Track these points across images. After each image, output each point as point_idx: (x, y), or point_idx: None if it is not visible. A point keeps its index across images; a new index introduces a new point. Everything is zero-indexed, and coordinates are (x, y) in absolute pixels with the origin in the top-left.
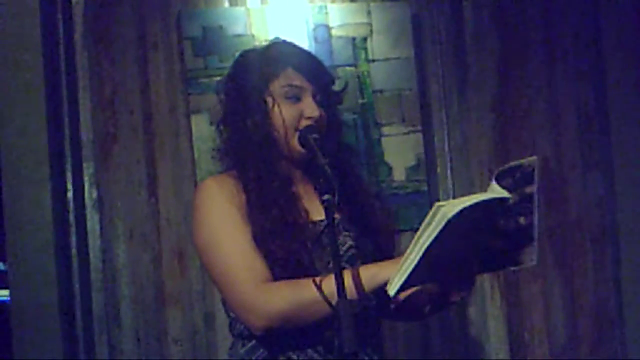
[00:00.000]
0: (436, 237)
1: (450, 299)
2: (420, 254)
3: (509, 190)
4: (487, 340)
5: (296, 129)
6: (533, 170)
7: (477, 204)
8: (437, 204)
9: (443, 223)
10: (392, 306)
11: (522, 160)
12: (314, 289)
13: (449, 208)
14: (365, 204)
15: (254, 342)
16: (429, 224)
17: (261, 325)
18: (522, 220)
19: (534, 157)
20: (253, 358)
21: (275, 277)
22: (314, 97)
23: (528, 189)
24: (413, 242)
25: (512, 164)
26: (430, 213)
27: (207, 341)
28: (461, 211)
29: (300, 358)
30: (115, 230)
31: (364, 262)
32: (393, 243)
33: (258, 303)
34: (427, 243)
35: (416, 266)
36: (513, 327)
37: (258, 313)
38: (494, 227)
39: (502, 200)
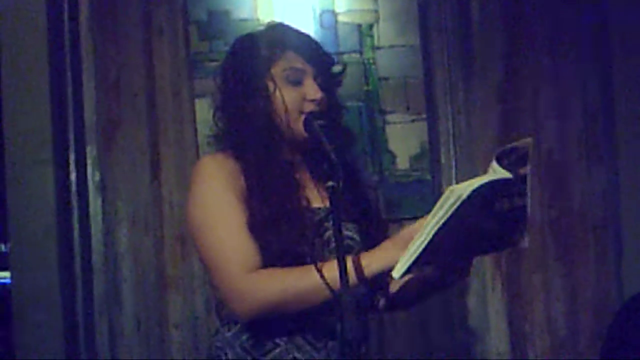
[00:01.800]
0: (449, 219)
1: (446, 282)
2: (431, 236)
3: (509, 171)
4: (488, 331)
5: (300, 112)
6: (527, 151)
7: (487, 184)
8: (450, 187)
9: (458, 204)
10: (382, 300)
11: (517, 142)
12: (304, 277)
13: (462, 189)
14: (360, 192)
15: (240, 325)
16: (441, 206)
17: (246, 313)
18: (515, 200)
19: (529, 139)
20: (239, 342)
21: (271, 264)
22: (315, 79)
23: (522, 170)
24: (423, 225)
25: (510, 145)
26: (443, 197)
27: (207, 327)
28: (473, 191)
29: (287, 344)
30: (118, 214)
31: (359, 252)
32: (386, 233)
33: (245, 290)
34: (439, 225)
35: (425, 249)
36: (514, 319)
37: (245, 300)
38: (493, 208)
39: (505, 181)
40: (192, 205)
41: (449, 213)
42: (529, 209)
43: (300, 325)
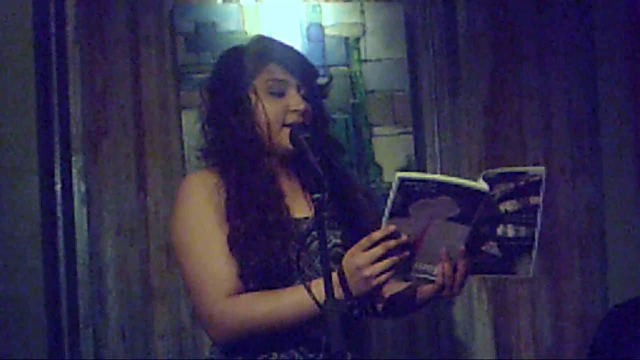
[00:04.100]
0: (394, 201)
1: (439, 294)
2: (386, 218)
3: (503, 197)
4: (474, 343)
5: (283, 125)
6: (540, 180)
7: (436, 181)
8: (398, 173)
9: (397, 182)
10: (380, 304)
11: (528, 168)
12: (287, 299)
13: (405, 174)
14: (352, 200)
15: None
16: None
17: (219, 339)
18: (522, 230)
19: (542, 168)
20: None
21: (255, 278)
22: (298, 90)
23: (532, 200)
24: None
25: (514, 169)
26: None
27: (193, 337)
28: (417, 180)
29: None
30: (103, 224)
31: None
32: None
33: (221, 315)
34: (389, 208)
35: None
36: (499, 331)
37: (220, 325)
38: (476, 221)
39: (479, 192)
40: (174, 225)
41: (393, 195)
42: (537, 241)
43: (293, 340)
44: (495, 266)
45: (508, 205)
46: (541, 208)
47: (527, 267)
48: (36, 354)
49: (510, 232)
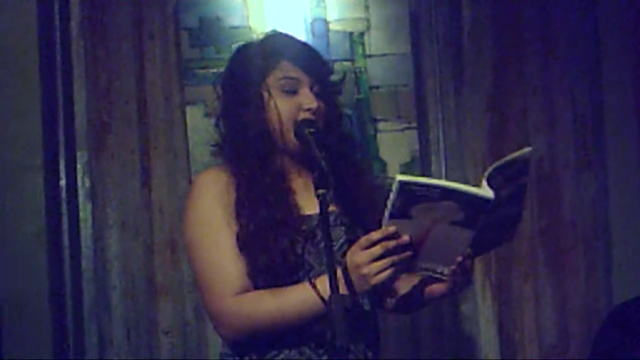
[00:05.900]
0: (394, 203)
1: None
2: (387, 220)
3: (500, 188)
4: (478, 339)
5: (295, 122)
6: (528, 160)
7: (439, 186)
8: (398, 175)
9: (397, 185)
10: (392, 300)
11: (517, 154)
12: (293, 297)
13: (403, 178)
14: (364, 196)
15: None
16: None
17: (227, 337)
18: (513, 209)
19: (529, 148)
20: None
21: (265, 275)
22: (311, 88)
23: (522, 180)
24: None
25: (507, 159)
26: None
27: (197, 333)
28: (418, 184)
29: (293, 356)
30: (108, 220)
31: None
32: None
33: (229, 314)
34: (389, 210)
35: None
36: (504, 327)
37: (228, 324)
38: (480, 221)
39: (484, 199)
40: (185, 223)
41: (393, 197)
42: (522, 213)
43: (303, 337)
44: (489, 244)
45: (503, 193)
46: (527, 184)
47: (512, 234)
48: (41, 350)
49: (505, 213)
